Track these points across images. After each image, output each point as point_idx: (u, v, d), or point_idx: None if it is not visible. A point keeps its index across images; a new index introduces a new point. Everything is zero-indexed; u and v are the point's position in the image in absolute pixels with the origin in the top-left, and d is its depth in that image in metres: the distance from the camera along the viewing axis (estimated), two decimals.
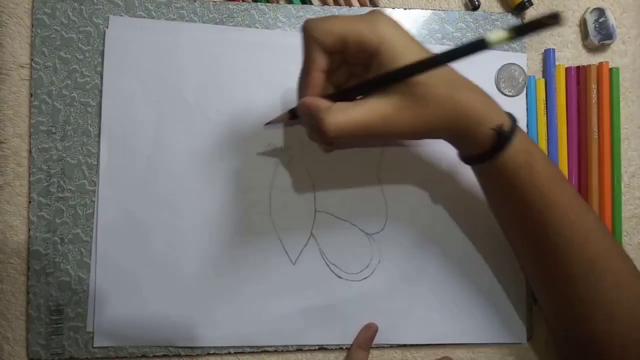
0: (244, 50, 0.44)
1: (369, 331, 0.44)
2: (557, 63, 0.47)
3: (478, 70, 0.46)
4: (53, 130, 0.43)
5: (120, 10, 0.44)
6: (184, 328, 0.43)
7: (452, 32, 0.47)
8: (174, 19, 0.44)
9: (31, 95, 0.43)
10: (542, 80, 0.47)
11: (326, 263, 0.45)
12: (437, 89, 0.33)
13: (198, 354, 0.44)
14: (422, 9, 0.47)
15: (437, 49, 0.45)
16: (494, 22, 0.47)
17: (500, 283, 0.46)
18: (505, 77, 0.47)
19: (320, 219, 0.45)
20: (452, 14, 0.47)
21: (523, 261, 0.42)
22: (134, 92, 0.43)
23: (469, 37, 0.47)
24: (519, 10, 0.47)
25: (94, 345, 0.42)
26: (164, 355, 0.43)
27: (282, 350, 0.44)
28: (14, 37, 0.43)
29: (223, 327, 0.43)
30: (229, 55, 0.44)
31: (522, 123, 0.46)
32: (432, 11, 0.47)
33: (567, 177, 0.47)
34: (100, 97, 0.43)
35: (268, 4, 0.45)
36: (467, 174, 0.46)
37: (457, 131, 0.35)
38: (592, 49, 0.49)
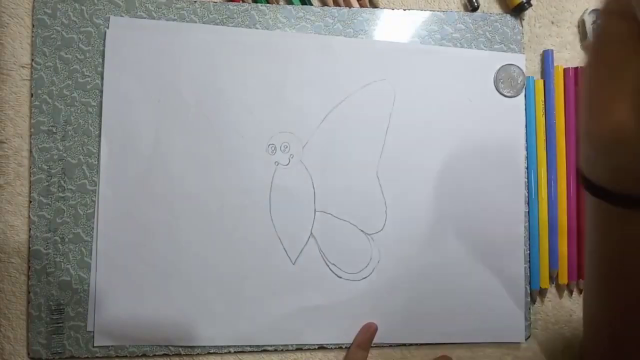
0: (244, 51, 0.45)
1: (369, 331, 0.44)
2: (555, 64, 0.48)
3: (477, 71, 0.47)
4: (54, 130, 0.43)
5: (121, 11, 0.44)
6: (184, 327, 0.43)
7: (452, 33, 0.47)
8: (174, 20, 0.44)
9: (32, 95, 0.43)
10: (541, 81, 0.47)
11: (326, 263, 0.45)
12: None
13: (198, 353, 0.44)
14: (421, 9, 0.48)
15: (436, 50, 0.46)
16: (493, 23, 0.47)
17: (499, 283, 0.46)
18: (504, 78, 0.47)
19: (319, 219, 0.45)
20: (451, 15, 0.47)
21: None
22: (135, 92, 0.44)
23: (468, 38, 0.47)
24: (517, 11, 0.47)
25: (95, 345, 0.43)
26: (164, 355, 0.43)
27: (282, 350, 0.44)
28: (14, 37, 0.43)
29: (223, 327, 0.44)
30: (229, 55, 0.45)
31: (520, 124, 0.47)
32: (431, 12, 0.47)
33: (566, 177, 0.47)
34: (101, 97, 0.43)
35: (268, 4, 0.46)
36: (467, 173, 0.46)
37: None
38: None
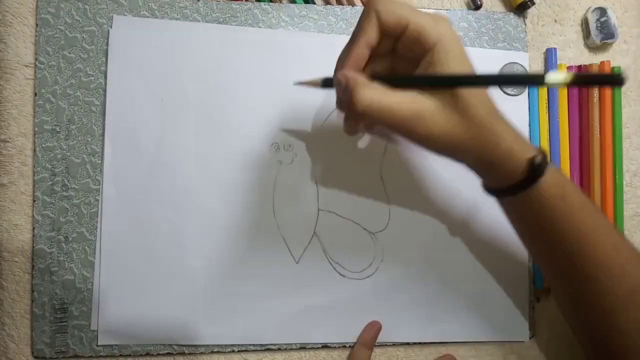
0: (247, 50, 0.45)
1: (373, 329, 0.44)
2: (558, 62, 0.48)
3: (481, 69, 0.47)
4: (57, 129, 0.43)
5: (124, 10, 0.44)
6: (188, 326, 0.43)
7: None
8: (177, 19, 0.44)
9: (35, 94, 0.43)
10: None
11: (329, 261, 0.45)
12: (478, 110, 0.33)
13: (202, 352, 0.44)
14: (425, 8, 0.48)
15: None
16: (496, 22, 0.47)
17: (503, 281, 0.46)
18: None
19: (323, 218, 0.45)
20: (454, 14, 0.47)
21: (559, 293, 0.40)
22: (138, 91, 0.44)
23: (471, 36, 0.47)
24: (520, 9, 0.47)
25: (98, 344, 0.43)
26: (168, 354, 0.43)
27: (286, 349, 0.44)
28: (18, 36, 0.43)
29: (227, 326, 0.44)
30: (232, 54, 0.45)
31: (523, 122, 0.47)
32: (435, 10, 0.47)
33: (569, 175, 0.47)
34: (104, 96, 0.43)
35: (271, 3, 0.46)
36: (470, 172, 0.46)
37: (485, 157, 0.34)
38: (593, 48, 0.49)
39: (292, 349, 0.45)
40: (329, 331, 0.45)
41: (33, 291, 0.42)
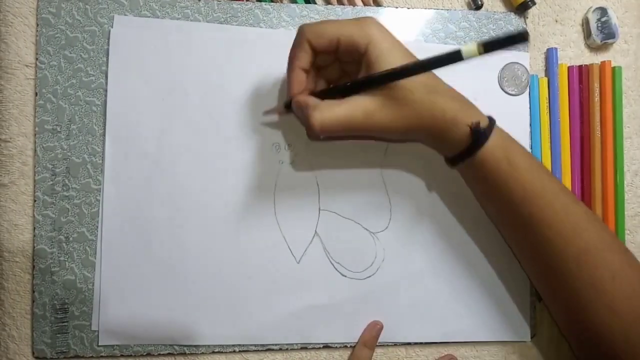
0: (248, 50, 0.45)
1: (374, 329, 0.44)
2: (559, 62, 0.48)
3: (481, 69, 0.47)
4: (58, 129, 0.43)
5: (125, 10, 0.44)
6: (189, 326, 0.43)
7: (455, 32, 0.47)
8: (178, 19, 0.44)
9: (36, 94, 0.43)
10: (545, 79, 0.47)
11: (330, 261, 0.45)
12: (417, 93, 0.36)
13: (203, 352, 0.44)
14: (426, 8, 0.48)
15: (440, 48, 0.46)
16: (497, 22, 0.47)
17: (504, 281, 0.46)
18: (508, 76, 0.47)
19: (324, 218, 0.45)
20: (455, 14, 0.47)
21: (519, 256, 0.43)
22: (139, 91, 0.44)
23: (472, 36, 0.47)
24: (521, 9, 0.47)
25: (99, 344, 0.42)
26: (169, 354, 0.43)
27: (287, 349, 0.44)
28: (19, 36, 0.43)
29: (228, 326, 0.43)
30: (233, 54, 0.45)
31: (524, 122, 0.47)
32: (435, 10, 0.47)
33: (570, 175, 0.47)
34: (105, 96, 0.43)
35: (272, 3, 0.46)
36: None
37: (434, 131, 0.38)
38: (594, 48, 0.49)
39: (293, 349, 0.44)
40: (330, 331, 0.44)
41: (34, 291, 0.42)
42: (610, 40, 0.48)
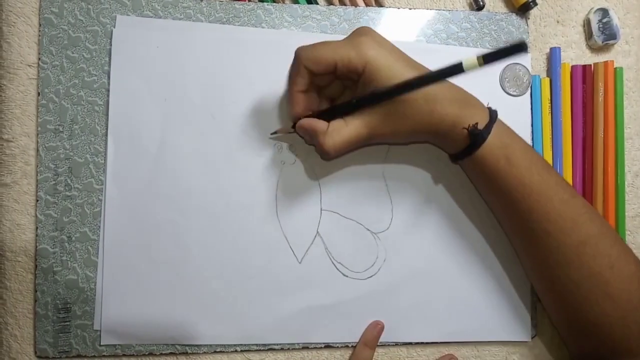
0: (250, 50, 0.45)
1: (375, 329, 0.44)
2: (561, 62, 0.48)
3: (482, 71, 0.47)
4: (60, 129, 0.43)
5: (127, 10, 0.44)
6: (191, 326, 0.43)
7: (457, 32, 0.47)
8: (180, 19, 0.44)
9: (39, 94, 0.43)
10: (547, 79, 0.47)
11: (332, 261, 0.45)
12: (415, 105, 0.38)
13: (204, 352, 0.44)
14: (427, 9, 0.48)
15: (442, 48, 0.47)
16: (499, 22, 0.47)
17: (506, 281, 0.46)
18: (510, 77, 0.47)
19: (326, 218, 0.45)
20: (457, 14, 0.47)
21: (519, 252, 0.44)
22: (141, 91, 0.44)
23: (474, 37, 0.47)
24: (523, 10, 0.47)
25: (101, 343, 0.43)
26: (171, 353, 0.43)
27: (288, 348, 0.44)
28: (21, 36, 0.43)
29: (229, 325, 0.44)
30: (235, 54, 0.45)
31: (526, 122, 0.47)
32: (437, 11, 0.47)
33: (571, 175, 0.47)
34: (108, 96, 0.43)
35: (274, 3, 0.46)
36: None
37: (436, 135, 0.40)
38: (595, 49, 0.49)
39: (294, 349, 0.45)
40: (331, 331, 0.45)
41: (36, 291, 0.42)
42: (611, 41, 0.48)
